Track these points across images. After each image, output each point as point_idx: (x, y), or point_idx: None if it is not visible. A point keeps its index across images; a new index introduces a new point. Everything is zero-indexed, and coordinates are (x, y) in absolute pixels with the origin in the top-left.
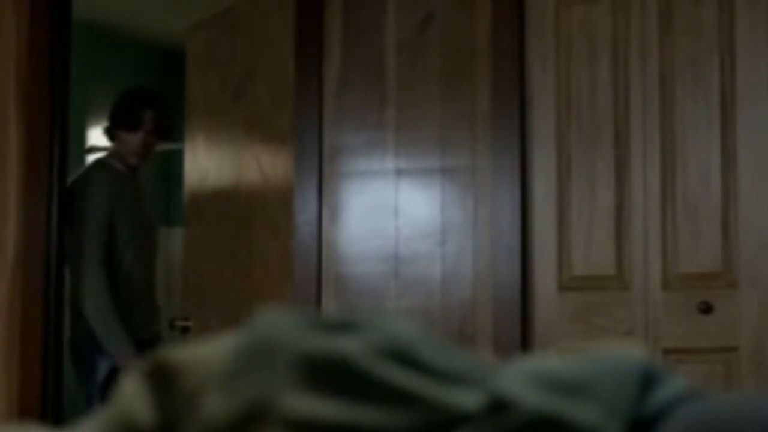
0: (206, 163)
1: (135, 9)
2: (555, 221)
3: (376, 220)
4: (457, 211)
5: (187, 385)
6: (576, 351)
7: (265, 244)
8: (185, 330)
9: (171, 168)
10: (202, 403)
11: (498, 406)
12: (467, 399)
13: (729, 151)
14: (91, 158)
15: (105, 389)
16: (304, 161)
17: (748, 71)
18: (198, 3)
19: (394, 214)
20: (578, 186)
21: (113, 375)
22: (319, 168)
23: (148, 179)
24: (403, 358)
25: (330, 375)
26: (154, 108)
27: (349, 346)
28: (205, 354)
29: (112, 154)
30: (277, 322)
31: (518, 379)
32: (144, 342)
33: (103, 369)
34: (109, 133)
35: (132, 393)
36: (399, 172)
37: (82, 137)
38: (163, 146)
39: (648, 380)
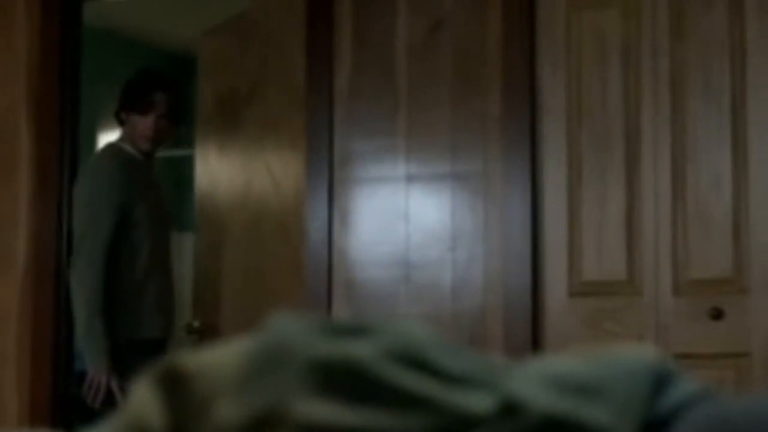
0: (217, 168)
1: (146, 14)
2: (566, 227)
3: (386, 225)
4: (467, 216)
5: (199, 390)
6: (587, 352)
7: (276, 249)
8: (196, 332)
9: (182, 174)
10: (214, 409)
11: (509, 409)
12: (479, 402)
13: (740, 155)
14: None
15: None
16: (314, 167)
17: (759, 76)
18: (209, 9)
19: (404, 220)
20: (589, 191)
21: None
22: (329, 174)
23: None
24: (415, 361)
25: (342, 380)
26: (166, 90)
27: (361, 350)
28: (217, 359)
29: (123, 138)
30: (289, 327)
31: (530, 381)
32: (156, 342)
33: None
34: (119, 117)
35: (143, 399)
36: (410, 178)
37: (92, 143)
38: (174, 152)
39: (660, 382)
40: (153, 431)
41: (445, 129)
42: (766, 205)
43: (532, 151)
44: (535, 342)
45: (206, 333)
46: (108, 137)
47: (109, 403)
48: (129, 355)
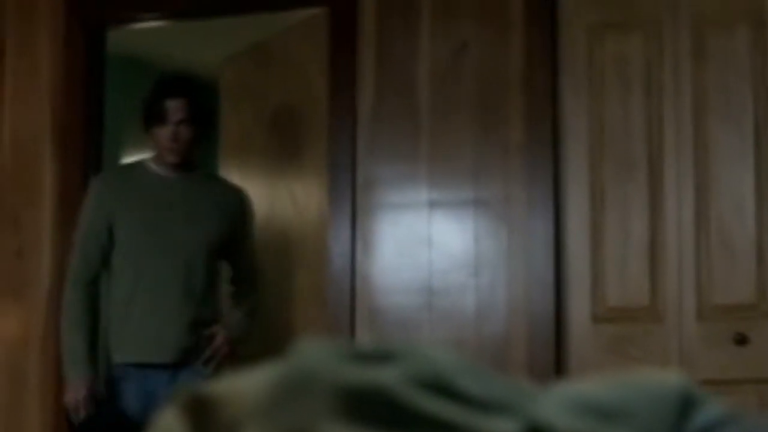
0: None
1: (169, 41)
2: (589, 252)
3: (409, 251)
4: (490, 242)
5: (225, 417)
6: (612, 377)
7: (299, 275)
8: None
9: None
10: None
11: None
12: (504, 426)
13: (763, 181)
14: None
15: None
16: (337, 193)
17: None
18: (231, 35)
19: (427, 246)
20: (612, 217)
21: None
22: (352, 200)
23: None
24: (441, 387)
25: (368, 405)
26: (182, 95)
27: (386, 376)
28: (242, 386)
29: (153, 157)
30: (314, 353)
31: (555, 405)
32: (166, 367)
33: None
34: (148, 133)
35: (170, 425)
36: (432, 204)
37: None
38: None
39: (685, 405)
40: None
41: (468, 155)
42: None
43: (554, 176)
44: (559, 368)
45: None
46: None
47: (98, 414)
48: (126, 379)
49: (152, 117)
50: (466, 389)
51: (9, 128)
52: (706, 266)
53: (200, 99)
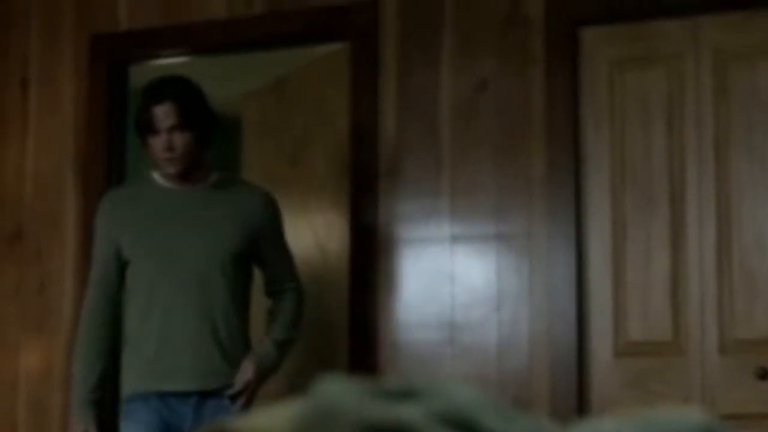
0: None
1: (191, 76)
2: (611, 286)
3: (431, 286)
4: (512, 277)
5: None
6: (634, 414)
7: (322, 310)
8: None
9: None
10: None
11: None
12: None
13: None
14: None
15: None
16: (359, 228)
17: None
18: (253, 71)
19: (449, 281)
20: (634, 251)
21: None
22: (374, 235)
23: None
24: (464, 423)
25: None
26: (169, 99)
27: (410, 413)
28: (266, 422)
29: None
30: (338, 389)
31: None
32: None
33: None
34: (145, 146)
35: None
36: (454, 239)
37: None
38: None
39: None
40: None
41: (490, 189)
42: None
43: (576, 211)
44: (581, 402)
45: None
46: None
47: None
48: (142, 409)
49: (143, 128)
50: (489, 426)
51: (32, 161)
52: (728, 300)
53: (192, 101)
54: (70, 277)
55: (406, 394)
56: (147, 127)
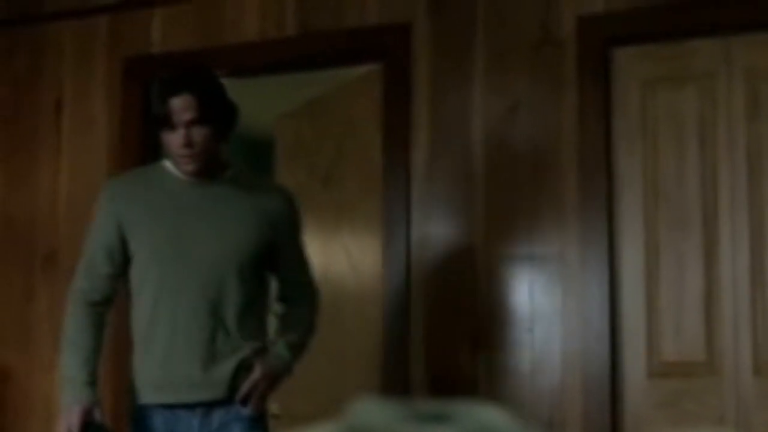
0: None
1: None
2: (644, 307)
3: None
4: (545, 298)
5: None
6: None
7: (355, 331)
8: (274, 417)
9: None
10: None
11: None
12: None
13: None
14: None
15: None
16: (392, 249)
17: None
18: (287, 93)
19: (483, 302)
20: (667, 272)
21: None
22: (407, 256)
23: None
24: None
25: None
26: (188, 91)
27: None
28: None
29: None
30: (372, 411)
31: None
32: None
33: None
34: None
35: None
36: (487, 260)
37: None
38: None
39: None
40: None
41: (523, 210)
42: None
43: (609, 231)
44: (614, 423)
45: (284, 414)
46: None
47: None
48: (149, 420)
49: (159, 123)
50: None
51: (65, 182)
52: (762, 320)
53: (212, 93)
54: None
55: (440, 417)
56: (163, 123)
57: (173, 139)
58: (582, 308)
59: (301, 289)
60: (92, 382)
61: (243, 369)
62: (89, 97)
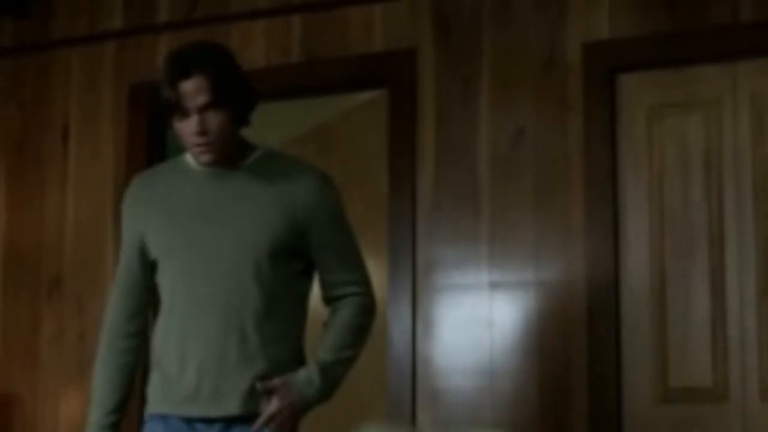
0: None
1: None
2: (650, 333)
3: (470, 333)
4: (551, 322)
5: None
6: None
7: (360, 357)
8: None
9: None
10: None
11: None
12: None
13: None
14: None
15: None
16: (397, 275)
17: None
18: (292, 118)
19: (488, 328)
20: (673, 297)
21: None
22: (413, 281)
23: None
24: None
25: None
26: (198, 72)
27: None
28: None
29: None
30: None
31: None
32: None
33: None
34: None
35: None
36: (493, 286)
37: None
38: None
39: None
40: None
41: (528, 236)
42: None
43: (615, 257)
44: None
45: None
46: None
47: None
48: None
49: (170, 110)
50: None
51: (72, 209)
52: None
53: (226, 73)
54: None
55: None
56: (175, 110)
57: (186, 127)
58: (588, 333)
59: (346, 290)
60: (110, 423)
61: (261, 383)
62: (96, 122)
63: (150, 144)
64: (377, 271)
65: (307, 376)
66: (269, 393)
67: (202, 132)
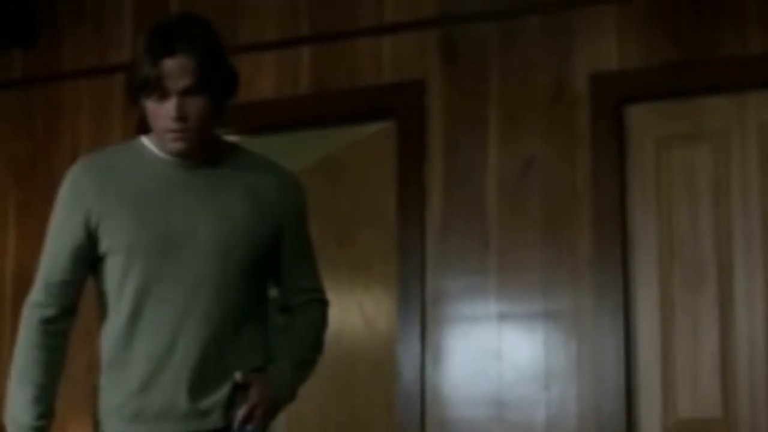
0: None
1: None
2: (659, 364)
3: (479, 364)
4: (560, 354)
5: None
6: None
7: (369, 388)
8: None
9: (273, 313)
10: None
11: None
12: None
13: None
14: None
15: None
16: (406, 306)
17: None
18: (301, 150)
19: (497, 359)
20: (682, 328)
21: None
22: (421, 312)
23: None
24: None
25: None
26: (184, 51)
27: None
28: None
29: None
30: None
31: None
32: None
33: None
34: (137, 107)
35: None
36: (501, 317)
37: None
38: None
39: None
40: None
41: (537, 267)
42: None
43: (624, 288)
44: None
45: None
46: None
47: None
48: None
49: (142, 87)
50: None
51: None
52: None
53: (214, 55)
54: None
55: None
56: (149, 87)
57: (161, 110)
58: (597, 365)
59: (305, 295)
60: (42, 427)
61: (239, 391)
62: (105, 146)
63: None
64: (386, 302)
65: (280, 372)
66: (246, 387)
67: (181, 117)
